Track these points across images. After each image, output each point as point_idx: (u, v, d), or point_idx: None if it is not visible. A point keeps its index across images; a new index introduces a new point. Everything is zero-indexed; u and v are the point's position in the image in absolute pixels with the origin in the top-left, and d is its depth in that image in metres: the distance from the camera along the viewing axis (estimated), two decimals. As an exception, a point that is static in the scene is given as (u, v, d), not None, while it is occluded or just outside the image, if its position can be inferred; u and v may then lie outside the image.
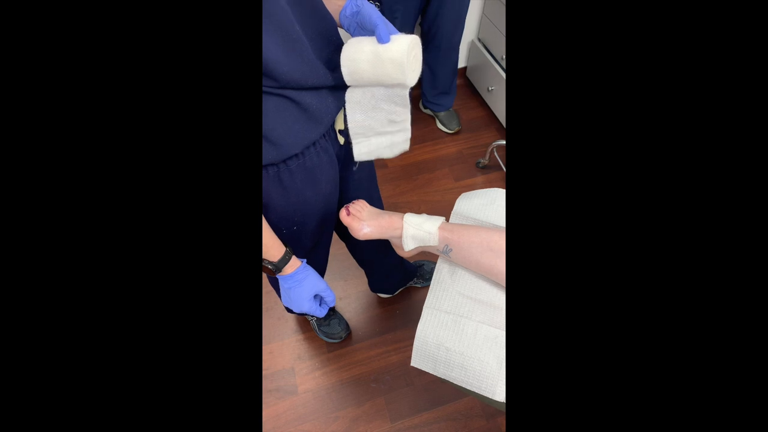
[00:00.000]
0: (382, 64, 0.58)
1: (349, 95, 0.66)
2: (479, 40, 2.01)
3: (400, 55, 0.57)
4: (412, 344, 0.72)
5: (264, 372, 1.39)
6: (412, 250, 0.80)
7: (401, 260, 1.36)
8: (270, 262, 0.72)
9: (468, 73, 2.16)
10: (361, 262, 1.33)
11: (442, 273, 0.78)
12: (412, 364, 0.72)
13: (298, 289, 0.75)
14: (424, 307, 0.74)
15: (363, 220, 0.80)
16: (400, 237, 0.80)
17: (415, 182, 1.83)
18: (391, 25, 0.60)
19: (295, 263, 0.75)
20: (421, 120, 2.05)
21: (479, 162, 1.86)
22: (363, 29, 0.62)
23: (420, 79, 1.94)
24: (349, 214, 0.80)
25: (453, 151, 1.93)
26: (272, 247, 0.71)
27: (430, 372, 0.71)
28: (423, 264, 1.55)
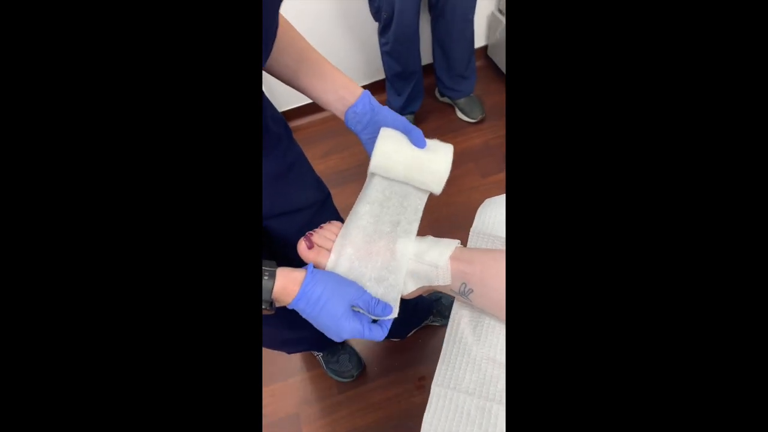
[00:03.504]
0: (420, 172, 0.57)
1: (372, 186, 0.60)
2: (499, 11, 1.72)
3: (445, 170, 0.56)
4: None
5: (264, 420, 1.20)
6: (413, 292, 0.54)
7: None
8: None
9: (489, 52, 1.89)
10: None
11: (459, 327, 0.53)
12: (418, 475, 0.47)
13: (324, 312, 0.49)
14: (432, 385, 0.49)
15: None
16: (396, 273, 0.55)
17: (434, 182, 1.59)
18: (416, 128, 0.57)
19: (291, 280, 0.49)
20: (438, 110, 1.82)
21: (509, 153, 1.59)
22: (378, 127, 0.59)
23: (432, 64, 1.68)
24: (311, 247, 0.54)
25: (478, 142, 1.69)
26: None
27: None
28: (440, 297, 1.26)
